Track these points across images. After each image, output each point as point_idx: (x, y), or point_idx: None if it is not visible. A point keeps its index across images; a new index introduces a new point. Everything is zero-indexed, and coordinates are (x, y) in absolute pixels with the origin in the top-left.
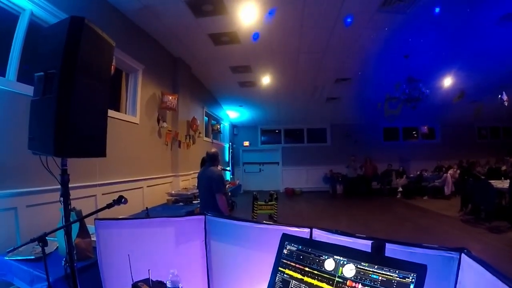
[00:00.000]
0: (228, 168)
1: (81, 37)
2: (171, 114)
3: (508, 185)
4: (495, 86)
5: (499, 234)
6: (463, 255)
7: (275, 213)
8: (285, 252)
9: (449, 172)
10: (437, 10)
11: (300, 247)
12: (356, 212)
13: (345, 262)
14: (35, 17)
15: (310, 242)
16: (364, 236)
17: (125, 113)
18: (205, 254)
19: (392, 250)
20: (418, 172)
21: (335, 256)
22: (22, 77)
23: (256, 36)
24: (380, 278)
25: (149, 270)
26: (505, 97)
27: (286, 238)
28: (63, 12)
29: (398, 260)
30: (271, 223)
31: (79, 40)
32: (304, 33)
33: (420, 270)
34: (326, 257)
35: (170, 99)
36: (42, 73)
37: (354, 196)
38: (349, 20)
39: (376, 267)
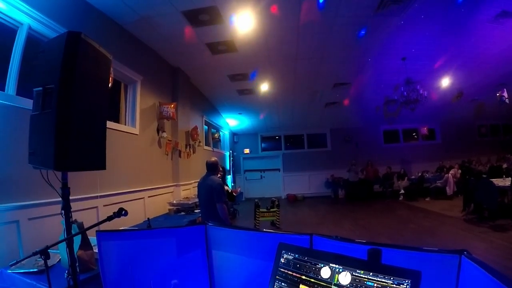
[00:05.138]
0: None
1: (78, 52)
2: (170, 124)
3: (510, 183)
4: (493, 85)
5: (504, 232)
6: (463, 257)
7: (277, 220)
8: (282, 261)
9: (450, 172)
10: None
11: (296, 255)
12: (359, 216)
13: (340, 270)
14: (33, 31)
15: (306, 251)
16: (364, 241)
17: (125, 124)
18: (207, 264)
19: (392, 254)
20: (420, 174)
21: (331, 264)
22: (22, 90)
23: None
24: (375, 285)
25: (151, 281)
26: (506, 94)
27: (282, 247)
28: (61, 26)
29: (393, 267)
30: (271, 231)
31: (76, 55)
32: (301, 40)
33: (414, 276)
34: (322, 265)
35: (168, 108)
36: (40, 88)
37: (356, 200)
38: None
39: (371, 274)
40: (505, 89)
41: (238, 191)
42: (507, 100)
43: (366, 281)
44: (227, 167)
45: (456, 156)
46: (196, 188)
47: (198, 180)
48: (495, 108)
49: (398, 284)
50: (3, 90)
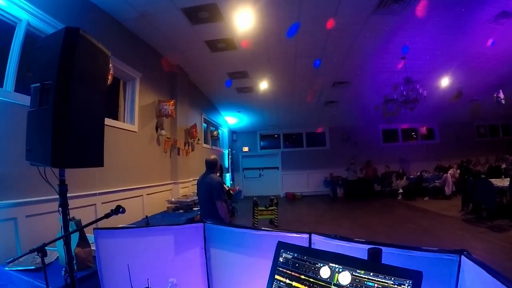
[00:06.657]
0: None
1: (76, 48)
2: (169, 122)
3: (508, 183)
4: (492, 85)
5: (501, 232)
6: (463, 257)
7: (276, 218)
8: (281, 260)
9: (449, 172)
10: None
11: (295, 254)
12: (357, 215)
13: (340, 270)
14: (32, 27)
15: (305, 250)
16: (363, 240)
17: (124, 122)
18: (205, 262)
19: (391, 254)
20: (418, 173)
21: (330, 264)
22: (20, 87)
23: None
24: (375, 285)
25: (148, 279)
26: (501, 95)
27: (281, 246)
28: (60, 22)
29: (394, 267)
30: (270, 229)
31: (74, 50)
32: (300, 38)
33: (416, 276)
34: (321, 264)
35: (167, 105)
36: (38, 84)
37: (355, 199)
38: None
39: (371, 274)
40: (500, 90)
41: (237, 189)
42: (503, 101)
43: (366, 281)
44: (226, 165)
45: (455, 156)
46: (195, 186)
47: (197, 177)
48: (493, 109)
49: (399, 285)
50: (1, 86)
